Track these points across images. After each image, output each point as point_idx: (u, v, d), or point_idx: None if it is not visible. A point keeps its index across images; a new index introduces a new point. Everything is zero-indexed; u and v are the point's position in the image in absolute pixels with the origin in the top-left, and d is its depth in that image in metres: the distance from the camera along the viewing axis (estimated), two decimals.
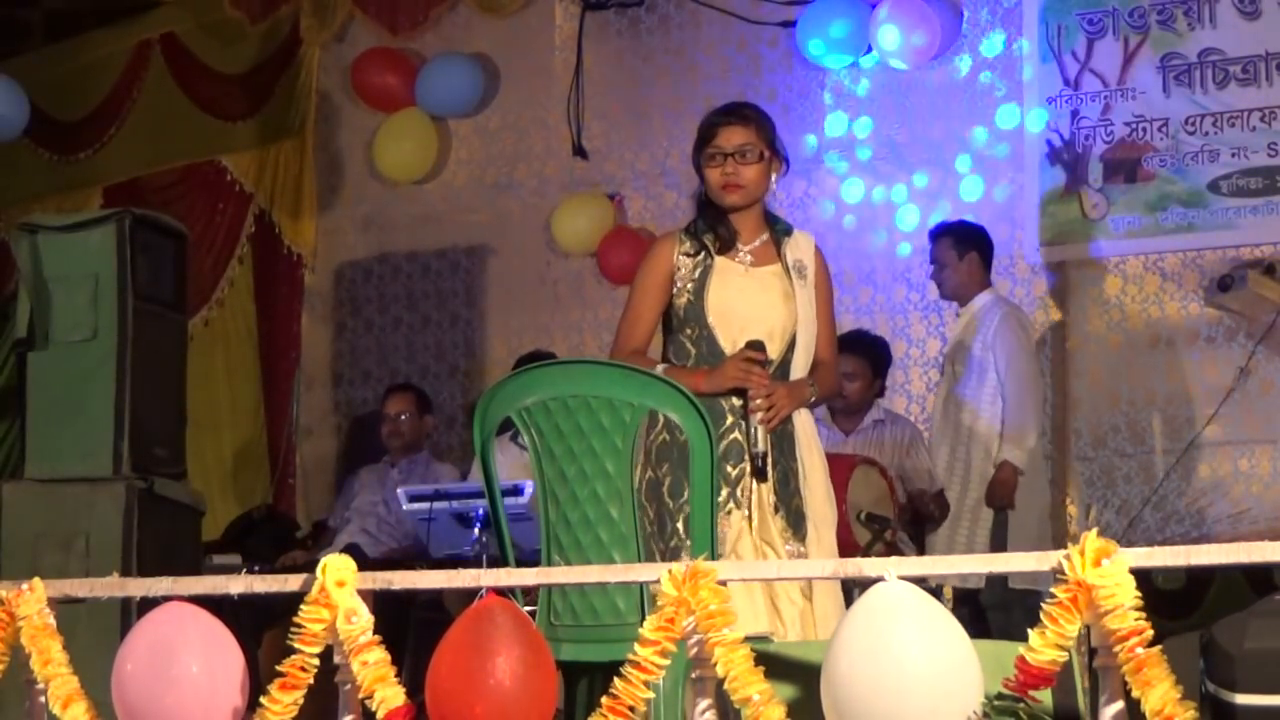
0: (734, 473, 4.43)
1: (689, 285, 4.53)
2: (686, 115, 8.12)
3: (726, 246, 4.56)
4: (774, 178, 4.58)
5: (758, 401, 4.38)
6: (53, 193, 9.43)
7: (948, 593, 6.37)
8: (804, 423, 4.52)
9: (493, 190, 8.61)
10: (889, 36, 7.52)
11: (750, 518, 4.41)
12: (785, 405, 4.41)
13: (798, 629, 4.30)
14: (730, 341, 4.48)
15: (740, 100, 4.87)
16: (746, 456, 4.41)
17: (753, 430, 4.39)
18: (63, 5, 9.53)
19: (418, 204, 8.75)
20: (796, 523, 4.42)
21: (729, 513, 4.40)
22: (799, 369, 4.51)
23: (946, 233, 6.83)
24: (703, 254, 4.54)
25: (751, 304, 4.51)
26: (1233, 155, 7.04)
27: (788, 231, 4.61)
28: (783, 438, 4.46)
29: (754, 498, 4.42)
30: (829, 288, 4.62)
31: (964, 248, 6.74)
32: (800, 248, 4.59)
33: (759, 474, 4.39)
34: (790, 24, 7.86)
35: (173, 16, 9.26)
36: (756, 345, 4.44)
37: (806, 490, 4.46)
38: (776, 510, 4.41)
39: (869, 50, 7.68)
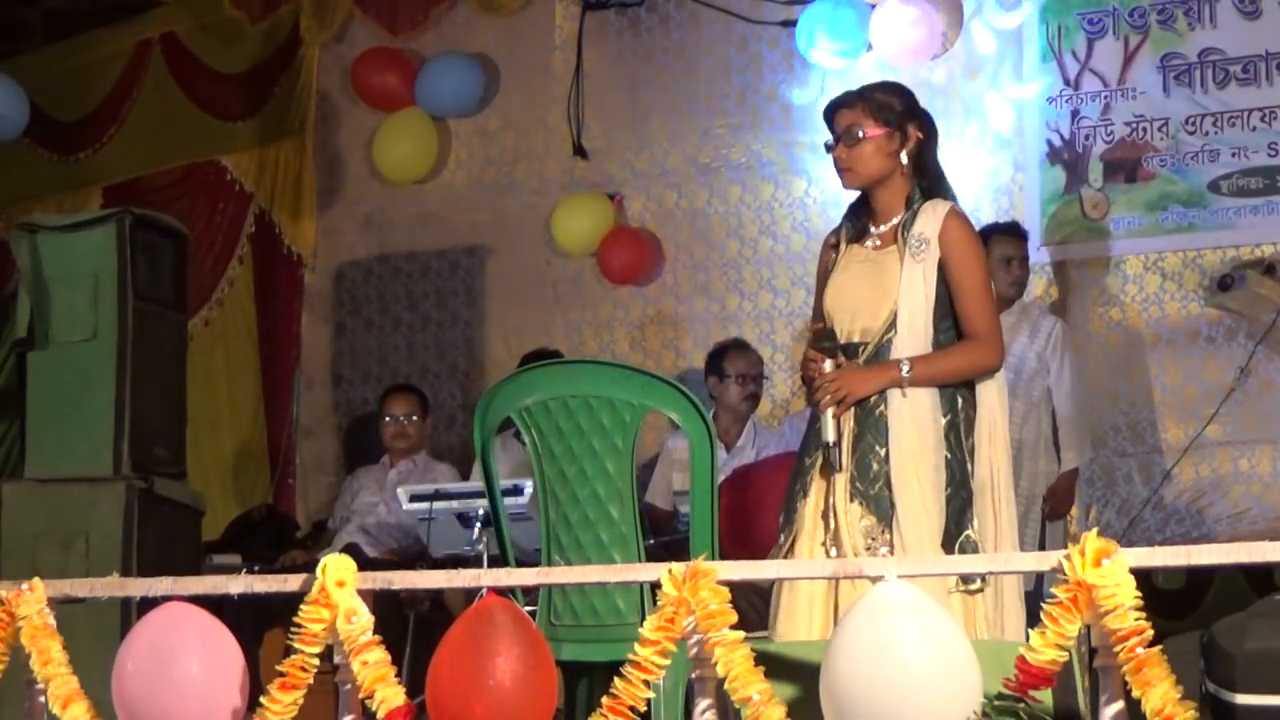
0: (806, 463, 4.28)
1: (827, 278, 4.43)
2: (686, 115, 8.14)
3: (861, 233, 4.44)
4: (905, 151, 4.41)
5: (818, 391, 4.23)
6: (53, 193, 9.42)
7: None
8: (904, 406, 4.22)
9: (493, 190, 8.61)
10: (889, 36, 7.52)
11: (825, 510, 4.23)
12: (854, 389, 4.20)
13: None
14: (843, 331, 4.33)
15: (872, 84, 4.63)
16: (820, 448, 4.24)
17: (823, 420, 4.22)
18: (63, 5, 9.52)
19: (418, 204, 8.74)
20: (881, 513, 4.18)
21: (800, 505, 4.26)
22: (903, 349, 4.25)
23: (1025, 231, 6.83)
24: (840, 244, 4.46)
25: (860, 290, 4.34)
26: (1233, 155, 7.04)
27: (921, 204, 4.39)
28: (871, 423, 4.23)
29: (829, 488, 4.23)
30: (962, 255, 4.29)
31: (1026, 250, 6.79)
32: (926, 219, 4.35)
33: (830, 465, 4.20)
34: (790, 24, 7.85)
35: (173, 16, 9.25)
36: (823, 333, 4.29)
37: (895, 478, 4.18)
38: (853, 499, 4.19)
39: (869, 50, 7.67)
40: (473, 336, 8.59)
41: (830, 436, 4.19)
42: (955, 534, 4.19)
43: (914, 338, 4.27)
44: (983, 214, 7.35)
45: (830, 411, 4.20)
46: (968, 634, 3.43)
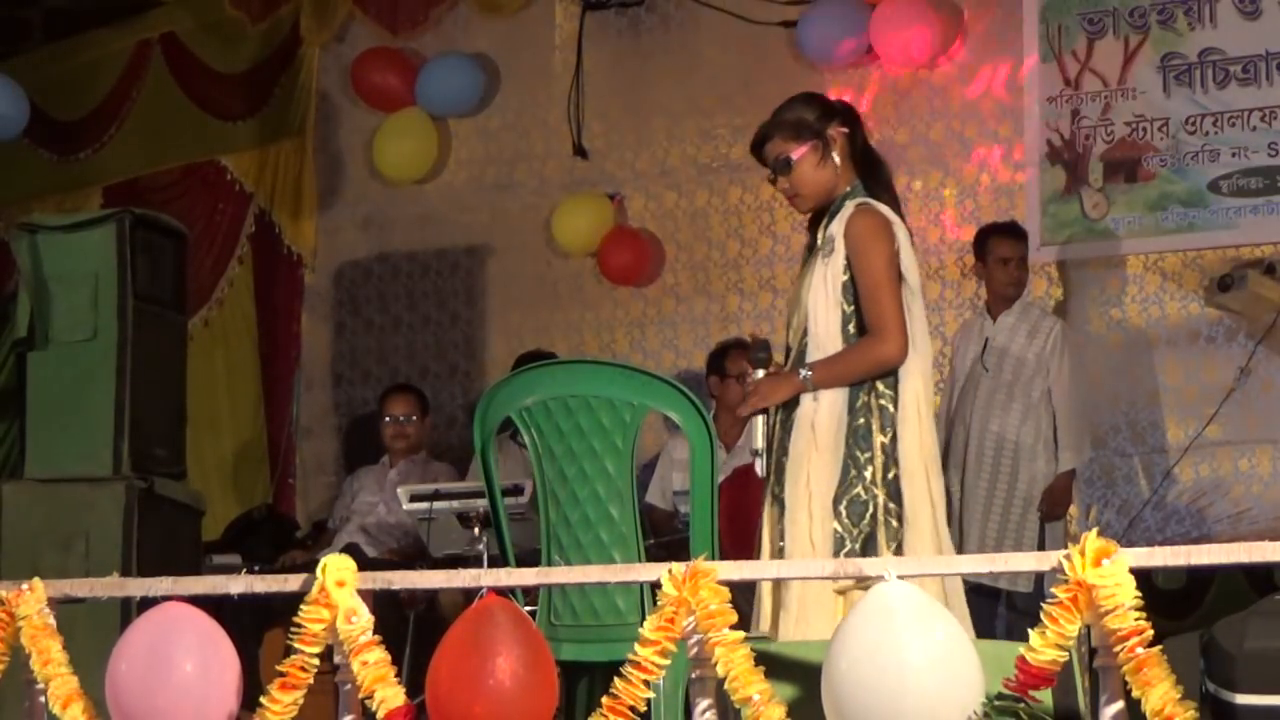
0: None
1: None
2: (686, 115, 8.14)
3: (814, 245, 4.50)
4: (835, 152, 4.43)
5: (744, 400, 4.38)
6: (53, 193, 9.42)
7: None
8: (810, 409, 4.29)
9: (493, 190, 8.61)
10: (889, 37, 7.52)
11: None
12: (766, 398, 4.32)
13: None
14: (789, 337, 4.48)
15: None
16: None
17: (751, 427, 4.39)
18: (63, 5, 9.51)
19: (418, 204, 8.74)
20: (783, 513, 4.30)
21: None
22: (815, 351, 4.34)
23: (1024, 232, 6.83)
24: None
25: (793, 297, 4.50)
26: (1233, 155, 7.04)
27: (838, 209, 4.43)
28: (786, 428, 4.33)
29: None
30: (858, 250, 4.33)
31: (1028, 250, 6.78)
32: (837, 220, 4.40)
33: (759, 470, 4.35)
34: (790, 24, 7.85)
35: (173, 16, 9.25)
36: (756, 345, 4.41)
37: (787, 479, 4.29)
38: (772, 502, 4.34)
39: (869, 50, 7.67)
40: (473, 336, 8.59)
41: (758, 444, 4.35)
42: (854, 533, 4.24)
43: (823, 339, 4.36)
44: (983, 214, 7.36)
45: (760, 420, 4.34)
46: None
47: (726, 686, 3.07)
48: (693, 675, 3.18)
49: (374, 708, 3.33)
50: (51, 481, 6.27)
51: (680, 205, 8.18)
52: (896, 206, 4.49)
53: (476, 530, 6.05)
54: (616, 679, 3.12)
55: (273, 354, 8.95)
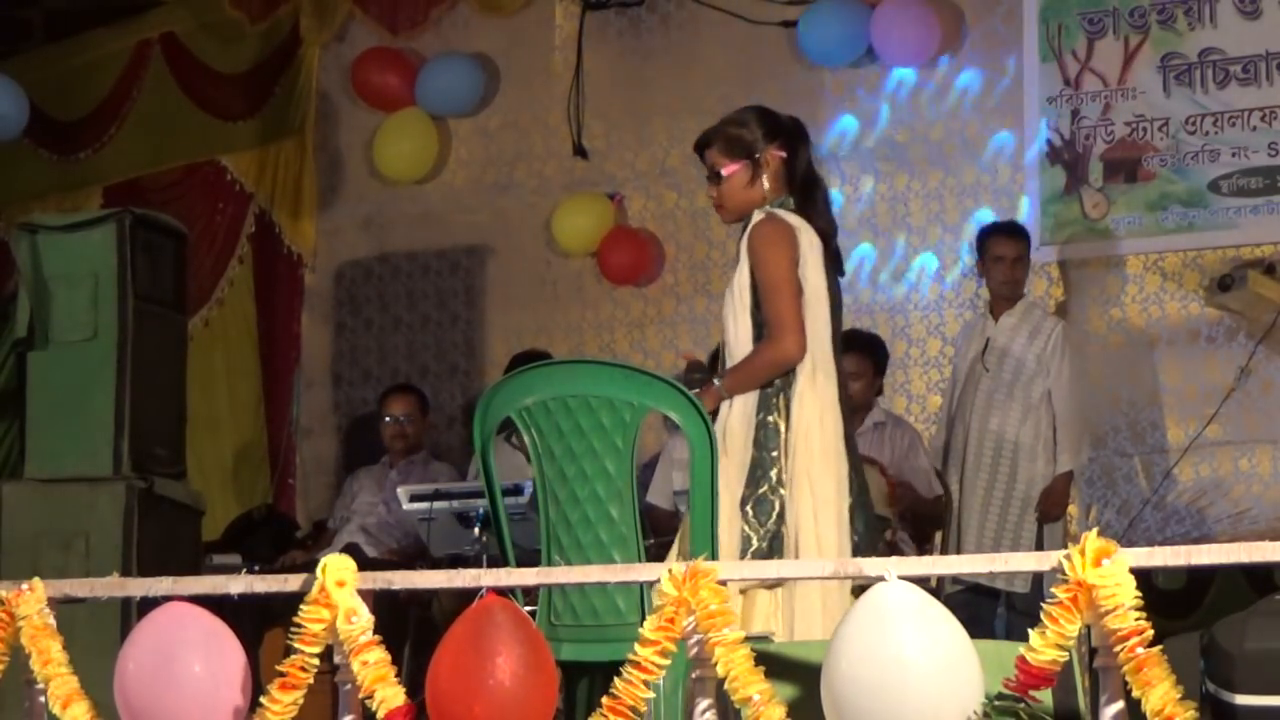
0: None
1: None
2: (686, 115, 8.12)
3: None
4: (767, 175, 4.52)
5: None
6: (53, 193, 9.42)
7: None
8: (724, 418, 4.43)
9: (493, 190, 8.61)
10: (889, 36, 7.52)
11: None
12: None
13: None
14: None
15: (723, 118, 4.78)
16: None
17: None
18: (63, 5, 9.51)
19: (418, 204, 8.74)
20: None
21: None
22: (730, 361, 4.49)
23: (1024, 231, 6.83)
24: None
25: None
26: (1233, 155, 7.04)
27: (748, 221, 4.54)
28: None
29: None
30: (756, 256, 4.46)
31: (1029, 249, 6.77)
32: (745, 233, 4.53)
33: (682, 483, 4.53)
34: (790, 24, 7.85)
35: (173, 16, 9.25)
36: (692, 365, 4.64)
37: None
38: (688, 509, 4.39)
39: (869, 50, 7.67)
40: (473, 336, 8.59)
41: (679, 454, 4.47)
42: (761, 533, 4.32)
43: (734, 346, 4.48)
44: (983, 214, 7.36)
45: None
46: (744, 627, 3.56)
47: (726, 686, 3.07)
48: (693, 675, 3.18)
49: (374, 708, 3.33)
50: (51, 481, 6.27)
51: (680, 205, 8.18)
52: (826, 227, 4.56)
53: (476, 530, 6.05)
54: (616, 679, 3.12)
55: (273, 354, 8.94)
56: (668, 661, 3.12)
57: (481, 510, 5.93)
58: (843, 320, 4.67)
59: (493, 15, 8.55)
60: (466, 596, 3.43)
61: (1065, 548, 2.96)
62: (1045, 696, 3.02)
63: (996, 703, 2.92)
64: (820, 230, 4.53)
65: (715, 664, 3.08)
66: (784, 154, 4.56)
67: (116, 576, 3.89)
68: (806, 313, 4.43)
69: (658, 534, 6.41)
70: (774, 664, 3.15)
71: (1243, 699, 3.28)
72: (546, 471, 4.15)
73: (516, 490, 5.68)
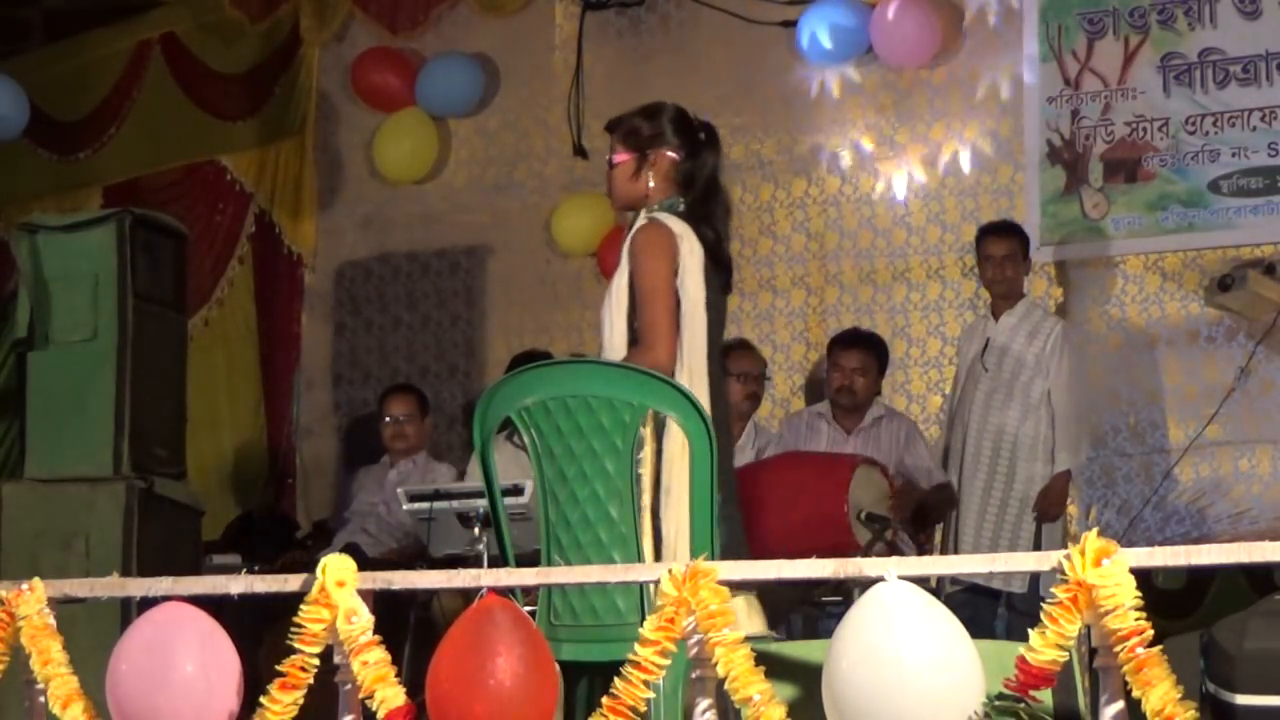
0: None
1: None
2: None
3: None
4: (654, 172, 4.54)
5: None
6: (53, 193, 9.42)
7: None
8: None
9: (493, 190, 8.60)
10: (889, 36, 7.52)
11: None
12: None
13: None
14: None
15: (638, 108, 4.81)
16: None
17: None
18: (63, 5, 9.52)
19: (418, 204, 8.74)
20: None
21: None
22: None
23: (1018, 230, 6.83)
24: None
25: None
26: (1233, 155, 7.04)
27: (632, 224, 4.56)
28: None
29: None
30: (632, 263, 4.46)
31: (1026, 248, 6.78)
32: (628, 236, 4.54)
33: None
34: (790, 24, 7.85)
35: (173, 16, 9.25)
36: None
37: None
38: None
39: (869, 50, 7.67)
40: (473, 336, 8.59)
41: None
42: (657, 539, 4.29)
43: (609, 350, 4.48)
44: (983, 214, 7.36)
45: None
46: None
47: (726, 686, 3.07)
48: (693, 675, 3.18)
49: (374, 708, 3.33)
50: (51, 481, 6.27)
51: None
52: (715, 237, 4.53)
53: (476, 530, 6.05)
54: (616, 679, 3.12)
55: (273, 354, 8.94)
56: (668, 661, 3.12)
57: (481, 510, 5.93)
58: (723, 332, 4.66)
59: (493, 15, 8.55)
60: (467, 596, 3.43)
61: (1064, 547, 2.96)
62: (1045, 696, 3.03)
63: (996, 703, 2.92)
64: (707, 240, 4.51)
65: (715, 664, 3.08)
66: (677, 156, 4.55)
67: (116, 576, 3.89)
68: (684, 322, 4.42)
69: None
70: (774, 664, 3.15)
71: (1243, 699, 3.28)
72: (546, 471, 4.14)
73: (516, 490, 5.68)
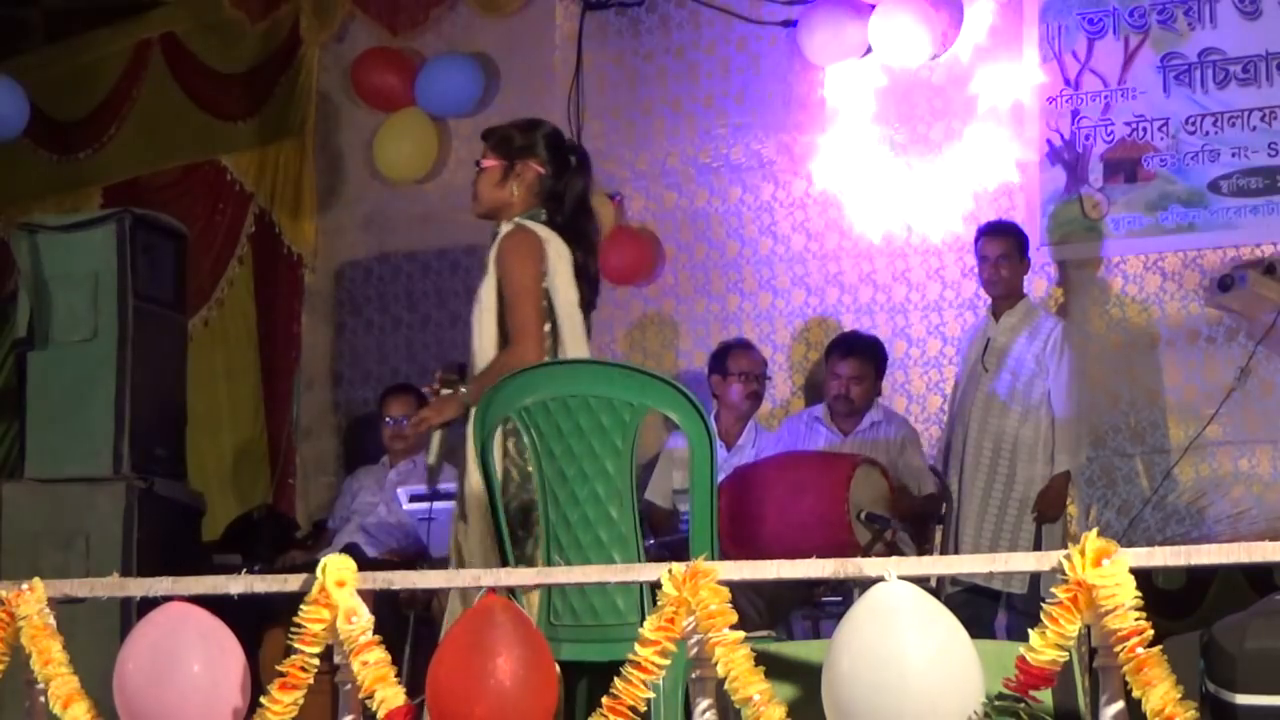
0: None
1: None
2: (686, 115, 8.14)
3: None
4: (518, 183, 4.71)
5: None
6: (53, 193, 9.42)
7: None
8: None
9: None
10: (889, 36, 7.52)
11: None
12: (430, 418, 4.74)
13: None
14: None
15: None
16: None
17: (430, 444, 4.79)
18: (63, 5, 9.52)
19: (418, 204, 8.74)
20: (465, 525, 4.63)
21: None
22: (478, 368, 4.66)
23: (1014, 230, 6.83)
24: None
25: None
26: (1233, 155, 7.04)
27: (496, 232, 4.71)
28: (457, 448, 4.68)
29: None
30: (500, 268, 4.62)
31: (1023, 248, 6.77)
32: (493, 244, 4.69)
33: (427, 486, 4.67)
34: (790, 24, 7.85)
35: (173, 16, 9.25)
36: (449, 367, 4.74)
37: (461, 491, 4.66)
38: (458, 516, 4.69)
39: (869, 50, 7.67)
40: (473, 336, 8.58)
41: (430, 459, 4.75)
42: (515, 541, 4.41)
43: (479, 354, 4.65)
44: (983, 214, 7.35)
45: (435, 436, 4.73)
46: None
47: (726, 686, 3.07)
48: (693, 675, 3.19)
49: (374, 708, 3.33)
50: (51, 481, 6.28)
51: (680, 205, 8.18)
52: (586, 257, 4.71)
53: None
54: (616, 679, 3.12)
55: (273, 354, 8.94)
56: (668, 661, 3.12)
57: None
58: (586, 343, 4.78)
59: (493, 15, 8.55)
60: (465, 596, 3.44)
61: (1064, 548, 2.96)
62: (1045, 696, 3.03)
63: (996, 703, 2.92)
64: (576, 259, 4.68)
65: (715, 664, 3.08)
66: (543, 171, 4.73)
67: (116, 576, 3.89)
68: (560, 322, 4.60)
69: (658, 534, 6.41)
70: (774, 664, 3.15)
71: (1243, 699, 3.28)
72: (546, 471, 4.15)
73: None
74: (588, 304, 4.74)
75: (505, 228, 4.68)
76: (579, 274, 4.66)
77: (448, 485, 6.58)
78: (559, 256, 4.62)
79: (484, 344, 4.63)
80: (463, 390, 4.62)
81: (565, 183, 4.74)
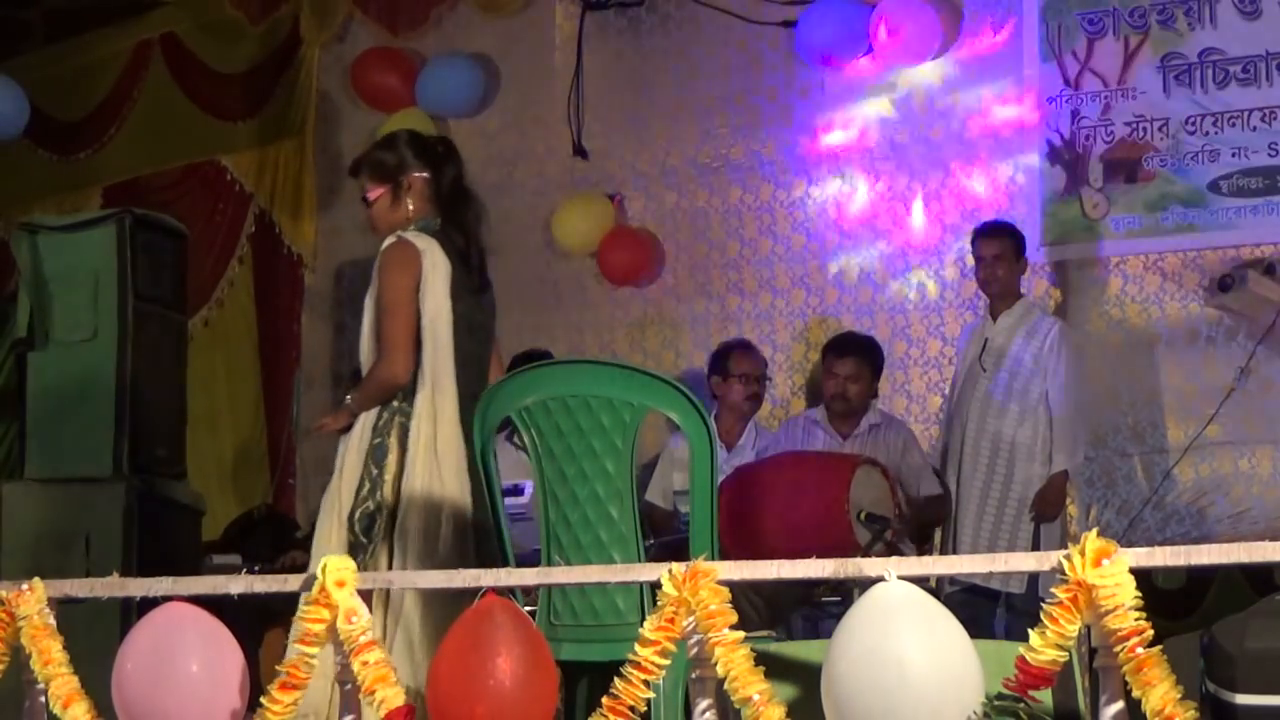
0: None
1: None
2: (686, 115, 8.14)
3: None
4: (411, 196, 4.75)
5: None
6: (53, 193, 9.43)
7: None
8: (352, 434, 4.70)
9: (493, 190, 8.58)
10: (888, 36, 7.52)
11: None
12: (326, 426, 4.84)
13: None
14: None
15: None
16: None
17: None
18: (63, 5, 9.52)
19: None
20: None
21: None
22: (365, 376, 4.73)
23: (1010, 230, 6.82)
24: None
25: None
26: (1233, 155, 7.04)
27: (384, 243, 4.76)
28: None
29: None
30: (379, 281, 4.67)
31: (1020, 248, 6.76)
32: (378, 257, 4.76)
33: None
34: (790, 24, 7.85)
35: (173, 16, 9.26)
36: (354, 374, 4.82)
37: (325, 497, 4.72)
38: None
39: (869, 50, 7.67)
40: None
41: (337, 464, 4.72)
42: (366, 544, 4.55)
43: (364, 363, 4.71)
44: (983, 214, 7.35)
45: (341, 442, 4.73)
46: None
47: (726, 686, 3.07)
48: (693, 675, 3.18)
49: (374, 708, 3.33)
50: (51, 481, 6.27)
51: (680, 205, 8.18)
52: (468, 244, 4.77)
53: None
54: (616, 679, 3.12)
55: (273, 354, 8.95)
56: (668, 661, 3.12)
57: None
58: (488, 338, 4.87)
59: (493, 15, 8.55)
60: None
61: (1063, 547, 2.96)
62: (1045, 696, 3.03)
63: (996, 703, 2.92)
64: (456, 244, 4.73)
65: (715, 664, 3.08)
66: (427, 175, 4.77)
67: (116, 576, 3.89)
68: (425, 336, 4.62)
69: (658, 534, 6.41)
70: (774, 664, 3.15)
71: (1243, 699, 3.28)
72: (546, 471, 4.15)
73: (516, 490, 5.68)
74: (476, 289, 4.78)
75: (388, 240, 4.72)
76: (463, 261, 4.71)
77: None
78: (434, 268, 4.65)
79: (366, 355, 4.71)
80: (349, 400, 4.71)
81: (441, 175, 4.79)
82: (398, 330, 4.61)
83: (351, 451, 4.66)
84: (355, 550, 4.53)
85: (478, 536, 4.57)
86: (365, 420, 4.66)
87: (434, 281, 4.63)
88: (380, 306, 4.65)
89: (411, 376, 4.61)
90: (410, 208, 4.76)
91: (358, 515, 4.58)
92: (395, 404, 4.62)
